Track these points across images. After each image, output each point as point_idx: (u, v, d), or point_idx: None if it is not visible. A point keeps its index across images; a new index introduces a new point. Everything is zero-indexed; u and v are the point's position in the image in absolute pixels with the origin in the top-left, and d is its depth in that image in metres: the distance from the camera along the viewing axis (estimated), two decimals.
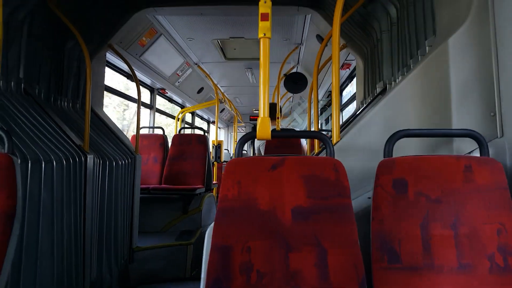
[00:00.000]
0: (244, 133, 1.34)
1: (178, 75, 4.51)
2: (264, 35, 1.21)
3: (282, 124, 4.67)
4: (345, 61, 3.53)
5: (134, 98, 3.86)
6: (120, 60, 2.94)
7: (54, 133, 1.83)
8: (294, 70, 4.50)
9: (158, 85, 4.44)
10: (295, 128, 7.02)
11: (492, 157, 1.13)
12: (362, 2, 1.92)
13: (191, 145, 3.81)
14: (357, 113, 2.21)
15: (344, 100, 4.39)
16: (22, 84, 1.83)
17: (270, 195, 1.06)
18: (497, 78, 1.21)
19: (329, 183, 1.07)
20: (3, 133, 1.19)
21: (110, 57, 3.16)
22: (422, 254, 1.01)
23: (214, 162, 4.80)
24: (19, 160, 1.39)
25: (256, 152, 4.48)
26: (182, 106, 5.70)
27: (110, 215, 2.25)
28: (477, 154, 1.22)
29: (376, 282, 1.02)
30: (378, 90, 2.07)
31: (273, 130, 1.22)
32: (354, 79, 3.44)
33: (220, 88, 5.82)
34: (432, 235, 1.03)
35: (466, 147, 1.29)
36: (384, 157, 1.15)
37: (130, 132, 5.95)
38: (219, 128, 8.98)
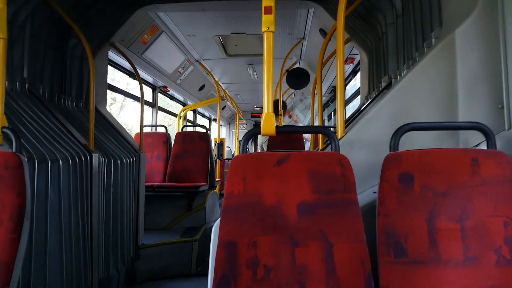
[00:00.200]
0: (246, 130, 1.33)
1: (180, 73, 4.50)
2: (268, 28, 1.18)
3: (285, 121, 4.65)
4: (349, 56, 3.50)
5: (137, 96, 3.86)
6: (122, 58, 2.94)
7: (59, 132, 1.83)
8: (296, 66, 4.47)
9: (160, 83, 4.43)
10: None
11: (500, 150, 1.12)
12: None
13: (194, 142, 3.81)
14: (362, 108, 2.19)
15: (347, 95, 4.36)
16: (26, 84, 1.84)
17: (276, 190, 1.06)
18: (505, 70, 1.19)
19: (335, 178, 1.06)
20: (11, 133, 1.20)
21: (112, 55, 3.15)
22: (428, 248, 1.01)
23: (217, 160, 4.80)
24: (26, 159, 1.40)
25: (258, 148, 4.47)
26: (183, 104, 5.70)
27: (116, 213, 2.26)
28: (484, 147, 1.20)
29: (382, 276, 1.02)
30: (383, 84, 2.05)
31: (277, 126, 1.21)
32: (358, 74, 3.41)
33: (222, 85, 5.80)
34: (438, 229, 1.02)
35: (473, 140, 1.27)
36: (390, 151, 1.14)
37: None
38: (220, 125, 8.96)
